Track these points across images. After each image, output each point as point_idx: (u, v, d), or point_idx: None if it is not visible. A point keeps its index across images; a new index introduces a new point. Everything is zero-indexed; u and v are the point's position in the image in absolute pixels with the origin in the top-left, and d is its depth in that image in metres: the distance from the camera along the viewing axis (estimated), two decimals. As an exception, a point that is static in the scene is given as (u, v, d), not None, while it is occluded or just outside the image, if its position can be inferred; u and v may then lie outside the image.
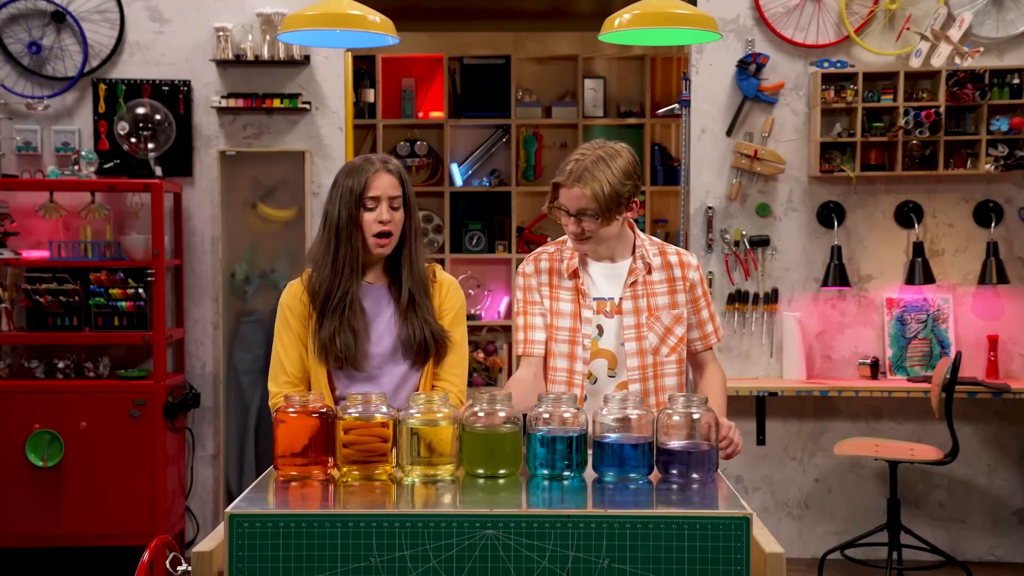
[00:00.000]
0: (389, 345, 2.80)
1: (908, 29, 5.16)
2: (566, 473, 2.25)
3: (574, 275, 2.86)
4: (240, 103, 5.26)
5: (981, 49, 5.08)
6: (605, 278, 2.87)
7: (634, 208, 2.79)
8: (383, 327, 2.80)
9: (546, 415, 2.28)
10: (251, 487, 2.27)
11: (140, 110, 5.15)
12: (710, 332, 2.96)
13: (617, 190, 2.71)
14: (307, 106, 5.31)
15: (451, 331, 2.84)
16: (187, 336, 5.37)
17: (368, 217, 2.75)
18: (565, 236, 2.91)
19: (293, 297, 2.83)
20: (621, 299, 2.84)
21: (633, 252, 2.87)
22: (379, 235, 2.76)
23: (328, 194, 2.83)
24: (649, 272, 2.86)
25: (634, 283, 2.84)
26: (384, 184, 2.75)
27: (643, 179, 6.85)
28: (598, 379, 2.87)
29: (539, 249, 2.98)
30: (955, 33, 5.09)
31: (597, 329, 2.86)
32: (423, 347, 2.80)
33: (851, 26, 5.18)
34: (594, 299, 2.86)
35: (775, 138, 5.26)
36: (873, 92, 5.12)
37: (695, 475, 2.24)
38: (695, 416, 2.28)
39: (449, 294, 2.88)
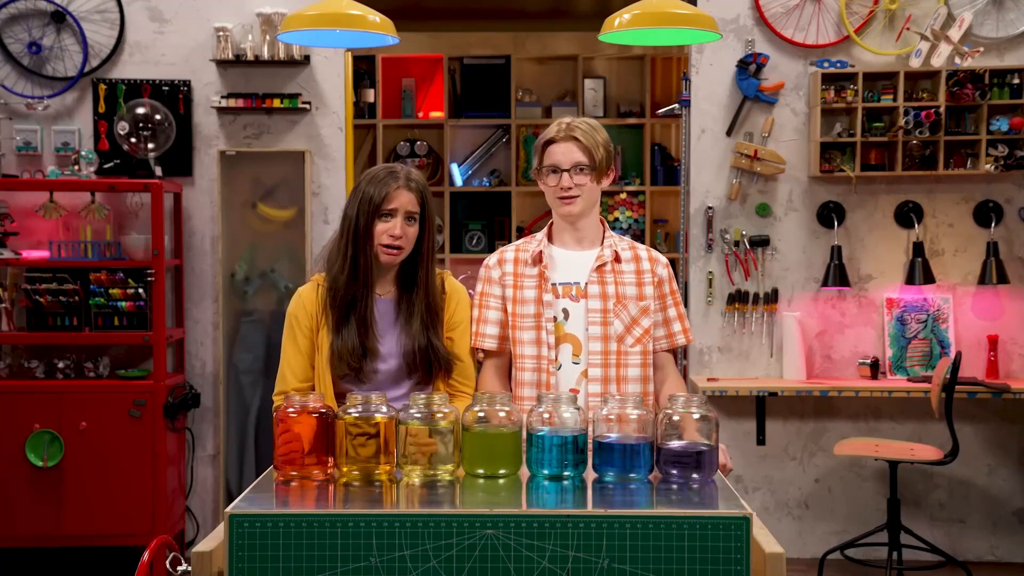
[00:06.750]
0: (395, 364, 2.80)
1: (908, 29, 5.16)
2: (566, 473, 2.25)
3: (538, 260, 2.90)
4: (240, 103, 5.26)
5: (981, 49, 5.08)
6: (571, 264, 2.91)
7: (611, 175, 2.93)
8: (391, 344, 2.80)
9: (546, 415, 2.28)
10: (251, 487, 2.27)
11: (140, 110, 5.15)
12: (676, 332, 2.95)
13: (606, 147, 2.89)
14: (307, 106, 5.31)
15: (462, 340, 2.87)
16: (187, 336, 5.37)
17: (381, 227, 2.76)
18: (539, 232, 3.01)
19: (300, 308, 2.83)
20: (587, 283, 2.88)
21: (602, 243, 2.94)
22: (388, 246, 2.77)
23: (350, 196, 2.84)
24: (618, 261, 2.91)
25: (600, 267, 2.88)
26: (403, 199, 2.76)
27: (642, 178, 6.93)
28: (562, 365, 2.87)
29: (508, 245, 3.04)
30: (955, 33, 5.09)
31: (563, 312, 2.88)
32: (426, 363, 2.80)
33: (851, 26, 5.18)
34: (560, 284, 2.89)
35: (775, 138, 5.26)
36: (873, 92, 5.12)
37: (695, 475, 2.24)
38: (695, 416, 2.28)
39: (460, 305, 2.90)
